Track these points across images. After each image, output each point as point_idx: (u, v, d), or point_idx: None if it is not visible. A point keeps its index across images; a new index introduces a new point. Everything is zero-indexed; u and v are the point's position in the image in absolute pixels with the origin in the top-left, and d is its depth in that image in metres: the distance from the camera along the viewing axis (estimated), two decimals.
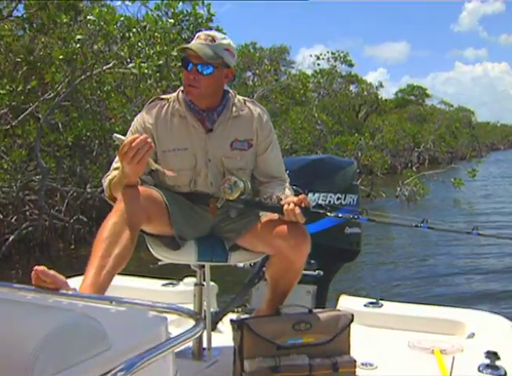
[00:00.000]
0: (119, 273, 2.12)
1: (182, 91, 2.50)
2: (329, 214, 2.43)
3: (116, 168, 2.34)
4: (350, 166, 3.40)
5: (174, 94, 2.53)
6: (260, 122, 2.53)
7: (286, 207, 2.27)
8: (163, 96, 2.56)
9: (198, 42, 2.39)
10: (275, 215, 2.37)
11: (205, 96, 2.43)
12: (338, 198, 3.16)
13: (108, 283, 2.04)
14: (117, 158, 2.33)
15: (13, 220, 9.20)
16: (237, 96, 2.55)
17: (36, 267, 1.78)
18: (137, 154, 2.09)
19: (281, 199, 2.34)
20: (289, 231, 2.30)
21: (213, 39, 2.38)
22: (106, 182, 2.37)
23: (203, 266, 2.60)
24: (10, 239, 8.56)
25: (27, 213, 9.44)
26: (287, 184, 2.57)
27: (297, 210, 2.25)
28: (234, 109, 2.50)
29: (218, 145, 2.46)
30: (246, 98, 2.61)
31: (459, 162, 29.79)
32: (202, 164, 2.45)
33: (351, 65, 27.20)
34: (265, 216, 2.45)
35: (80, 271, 2.13)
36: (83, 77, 8.40)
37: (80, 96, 9.48)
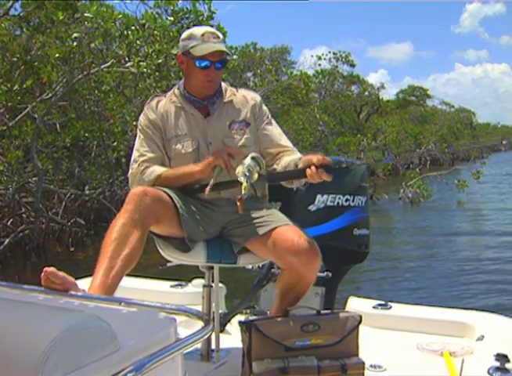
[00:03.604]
0: (127, 274, 2.12)
1: (178, 88, 2.63)
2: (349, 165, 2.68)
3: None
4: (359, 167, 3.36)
5: (170, 92, 2.66)
6: (254, 103, 2.65)
7: (308, 171, 2.22)
8: (159, 95, 2.71)
9: (213, 42, 2.49)
10: (284, 226, 2.36)
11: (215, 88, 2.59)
12: (347, 200, 3.12)
13: (117, 285, 2.05)
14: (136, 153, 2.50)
15: (9, 223, 9.14)
16: (229, 87, 2.69)
17: (46, 268, 1.78)
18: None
19: (298, 164, 2.34)
20: (300, 247, 2.27)
21: (217, 36, 2.52)
22: (151, 176, 2.43)
23: (212, 268, 2.60)
24: (6, 242, 8.49)
25: (24, 216, 9.39)
26: (298, 153, 2.57)
27: (322, 171, 2.21)
28: (228, 95, 2.63)
29: (216, 128, 2.55)
30: (238, 87, 2.77)
31: (462, 163, 29.54)
32: (204, 147, 2.52)
33: (352, 65, 27.26)
34: (274, 226, 2.40)
35: (77, 275, 2.11)
36: (80, 76, 8.35)
37: (78, 96, 9.45)
